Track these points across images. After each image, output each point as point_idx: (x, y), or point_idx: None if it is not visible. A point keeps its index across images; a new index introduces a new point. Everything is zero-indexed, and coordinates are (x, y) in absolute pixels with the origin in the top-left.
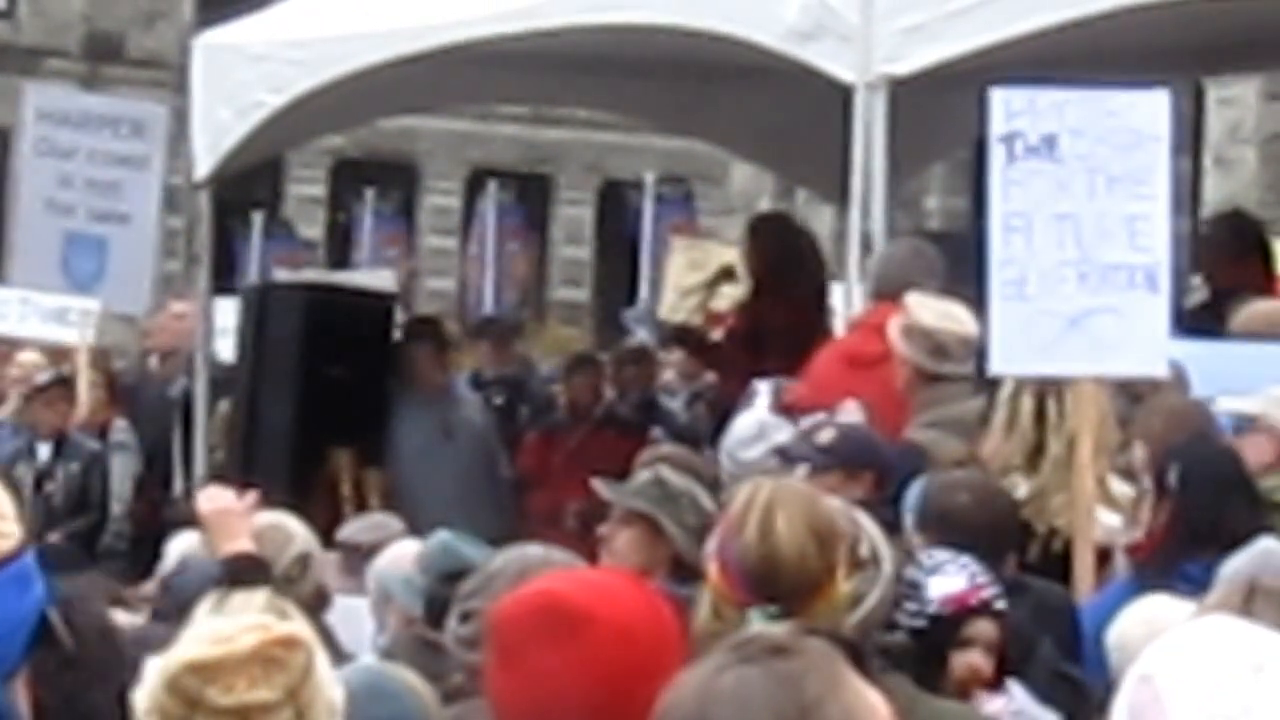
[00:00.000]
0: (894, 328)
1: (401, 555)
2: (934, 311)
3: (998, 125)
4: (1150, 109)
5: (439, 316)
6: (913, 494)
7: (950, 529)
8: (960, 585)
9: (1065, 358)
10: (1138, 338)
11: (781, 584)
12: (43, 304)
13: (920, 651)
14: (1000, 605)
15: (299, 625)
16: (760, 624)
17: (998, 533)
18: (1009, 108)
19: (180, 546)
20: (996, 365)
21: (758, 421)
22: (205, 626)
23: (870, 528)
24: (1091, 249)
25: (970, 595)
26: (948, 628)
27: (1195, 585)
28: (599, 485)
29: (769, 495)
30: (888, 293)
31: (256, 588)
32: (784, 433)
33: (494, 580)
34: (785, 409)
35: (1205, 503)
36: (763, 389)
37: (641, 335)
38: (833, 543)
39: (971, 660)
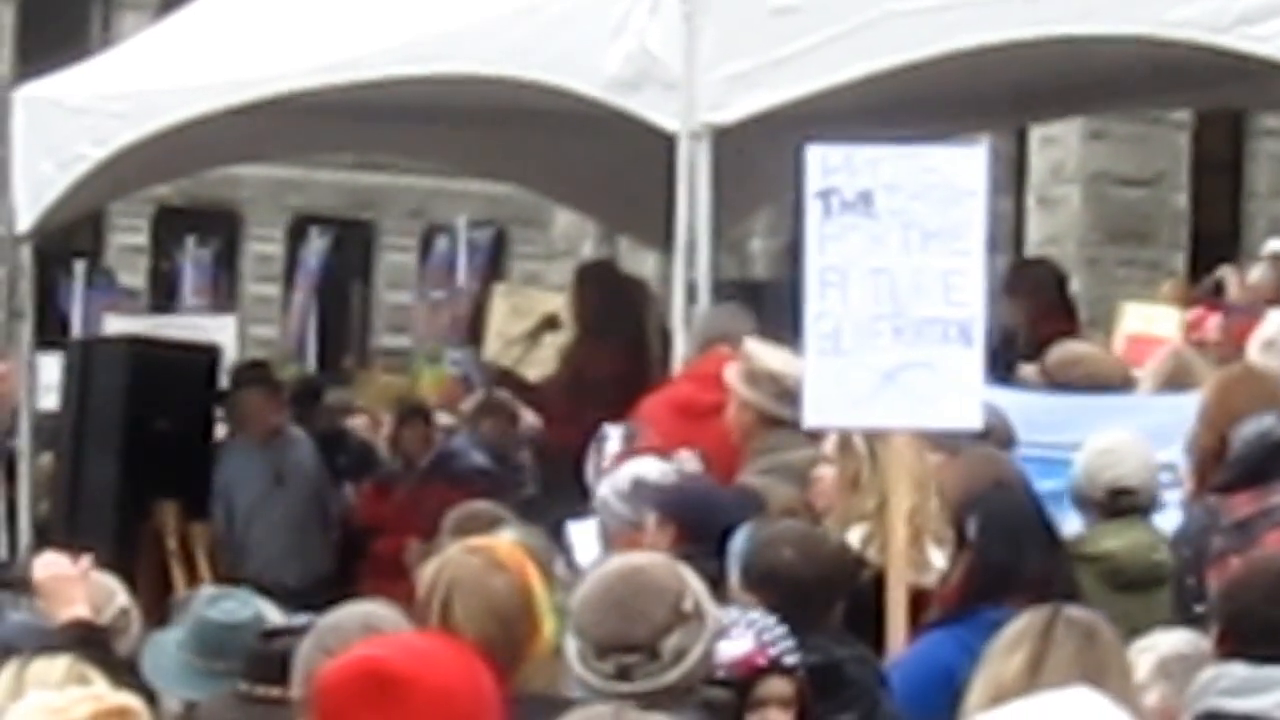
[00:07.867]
0: (734, 373)
1: None
2: (778, 356)
3: (814, 182)
4: (967, 165)
5: (267, 360)
6: (738, 541)
7: (777, 586)
8: (747, 646)
9: (879, 411)
10: (951, 391)
11: None
12: None
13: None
14: (791, 660)
15: (128, 695)
16: None
17: (826, 584)
18: (825, 164)
19: None
20: (810, 418)
21: (632, 476)
22: (37, 697)
23: (694, 582)
24: (906, 304)
25: (758, 655)
26: (739, 691)
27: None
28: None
29: (448, 579)
30: (709, 341)
31: (98, 654)
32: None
33: (328, 637)
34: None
35: (1002, 551)
36: (613, 434)
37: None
38: (517, 616)
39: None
